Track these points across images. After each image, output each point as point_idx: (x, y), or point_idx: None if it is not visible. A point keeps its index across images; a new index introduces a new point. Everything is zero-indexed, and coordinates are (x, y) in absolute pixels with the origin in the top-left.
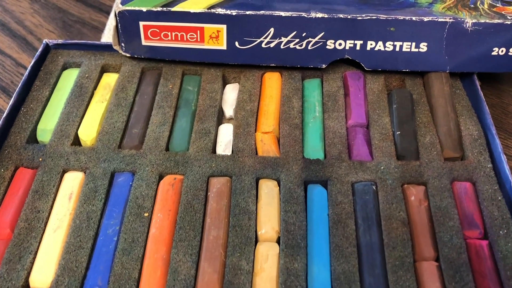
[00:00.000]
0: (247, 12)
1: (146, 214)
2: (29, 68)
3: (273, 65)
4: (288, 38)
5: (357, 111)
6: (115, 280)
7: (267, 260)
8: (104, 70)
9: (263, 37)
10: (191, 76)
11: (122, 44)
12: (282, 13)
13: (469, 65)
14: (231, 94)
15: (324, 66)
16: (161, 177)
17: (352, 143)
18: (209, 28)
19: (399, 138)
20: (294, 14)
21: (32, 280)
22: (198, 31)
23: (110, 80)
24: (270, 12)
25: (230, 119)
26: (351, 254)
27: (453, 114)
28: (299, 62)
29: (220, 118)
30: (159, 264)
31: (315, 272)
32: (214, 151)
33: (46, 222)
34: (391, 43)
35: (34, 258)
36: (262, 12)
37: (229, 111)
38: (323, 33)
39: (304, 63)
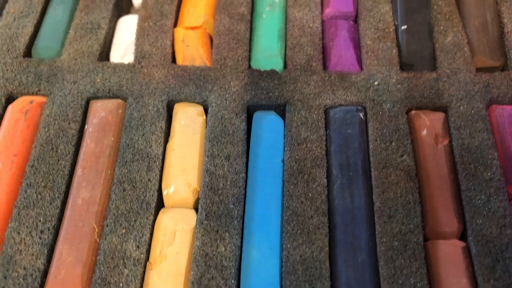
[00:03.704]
0: None
1: None
2: None
3: None
4: None
5: None
6: None
7: (173, 240)
8: None
9: None
10: None
11: None
12: None
13: None
14: None
15: None
16: (11, 100)
17: (330, 44)
18: None
19: (405, 36)
20: None
21: None
22: None
23: None
24: None
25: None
26: (318, 228)
27: None
28: None
29: (123, 8)
30: None
31: (254, 261)
32: (105, 58)
33: None
34: None
35: None
36: None
37: None
38: None
39: None
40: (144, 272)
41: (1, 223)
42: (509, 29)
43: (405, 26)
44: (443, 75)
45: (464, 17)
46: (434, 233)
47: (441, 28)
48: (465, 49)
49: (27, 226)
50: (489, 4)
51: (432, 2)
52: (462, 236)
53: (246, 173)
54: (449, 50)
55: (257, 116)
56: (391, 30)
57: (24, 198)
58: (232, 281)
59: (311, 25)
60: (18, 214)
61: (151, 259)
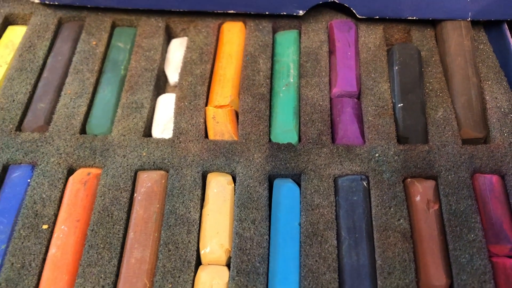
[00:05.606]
0: None
1: (45, 227)
2: None
3: (233, 11)
4: None
5: (346, 75)
6: None
7: None
8: (8, 22)
9: None
10: (123, 29)
11: None
12: None
13: (497, 10)
14: (176, 53)
15: (302, 12)
16: (71, 172)
17: (337, 119)
18: None
19: (402, 113)
20: None
21: None
22: None
23: (14, 35)
24: None
25: (175, 87)
26: (330, 283)
27: (476, 79)
28: (268, 8)
29: (161, 86)
30: None
31: None
32: (148, 133)
33: None
34: None
35: None
36: None
37: (174, 76)
38: None
39: (276, 9)
40: None
41: (70, 279)
42: (490, 105)
43: (402, 104)
44: (434, 147)
45: (452, 94)
46: (426, 286)
47: (433, 104)
48: (453, 123)
49: (90, 282)
50: (473, 83)
51: (425, 80)
52: None
53: (269, 235)
54: (439, 124)
55: (277, 183)
56: (389, 107)
57: (87, 257)
58: None
59: (321, 103)
60: (83, 271)
61: None
